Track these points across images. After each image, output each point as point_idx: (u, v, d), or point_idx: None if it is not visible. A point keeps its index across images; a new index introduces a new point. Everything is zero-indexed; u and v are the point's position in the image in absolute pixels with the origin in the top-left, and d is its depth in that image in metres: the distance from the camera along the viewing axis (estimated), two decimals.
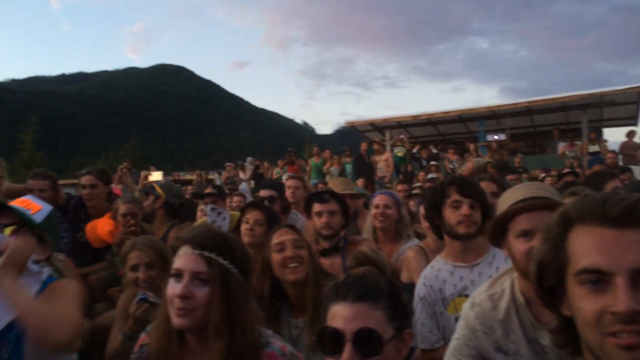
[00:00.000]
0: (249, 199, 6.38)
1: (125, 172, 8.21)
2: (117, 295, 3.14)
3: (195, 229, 1.77)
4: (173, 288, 1.62)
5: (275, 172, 14.96)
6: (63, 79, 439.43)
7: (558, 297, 1.12)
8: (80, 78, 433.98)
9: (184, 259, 1.64)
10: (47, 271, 2.05)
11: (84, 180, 4.36)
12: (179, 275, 1.63)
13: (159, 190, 4.45)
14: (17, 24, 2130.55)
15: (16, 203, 2.09)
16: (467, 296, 2.40)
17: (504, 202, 1.93)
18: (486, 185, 3.35)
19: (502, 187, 3.21)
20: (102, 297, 3.71)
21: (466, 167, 8.06)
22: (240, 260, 1.69)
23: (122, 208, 3.95)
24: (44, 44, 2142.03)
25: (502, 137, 17.11)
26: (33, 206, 2.09)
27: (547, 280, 1.13)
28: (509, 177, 6.47)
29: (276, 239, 2.52)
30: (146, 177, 6.87)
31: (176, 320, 1.60)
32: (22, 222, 2.03)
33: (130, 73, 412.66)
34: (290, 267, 2.44)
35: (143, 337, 1.84)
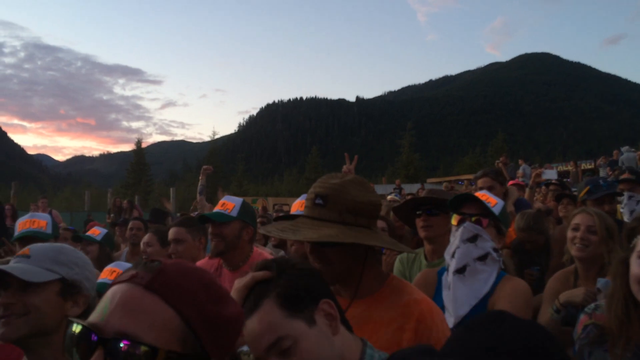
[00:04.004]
0: None
1: (502, 167, 8.19)
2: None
3: None
4: None
5: None
6: (431, 84, 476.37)
7: None
8: (445, 82, 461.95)
9: None
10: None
11: (480, 182, 4.25)
12: None
13: None
14: (391, 43, 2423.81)
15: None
16: None
17: None
18: None
19: None
20: None
21: None
22: None
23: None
24: (413, 56, 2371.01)
25: None
26: (491, 200, 2.37)
27: None
28: None
29: None
30: (538, 175, 6.58)
31: None
32: (484, 212, 2.33)
33: (492, 69, 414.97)
34: None
35: (584, 318, 1.84)
